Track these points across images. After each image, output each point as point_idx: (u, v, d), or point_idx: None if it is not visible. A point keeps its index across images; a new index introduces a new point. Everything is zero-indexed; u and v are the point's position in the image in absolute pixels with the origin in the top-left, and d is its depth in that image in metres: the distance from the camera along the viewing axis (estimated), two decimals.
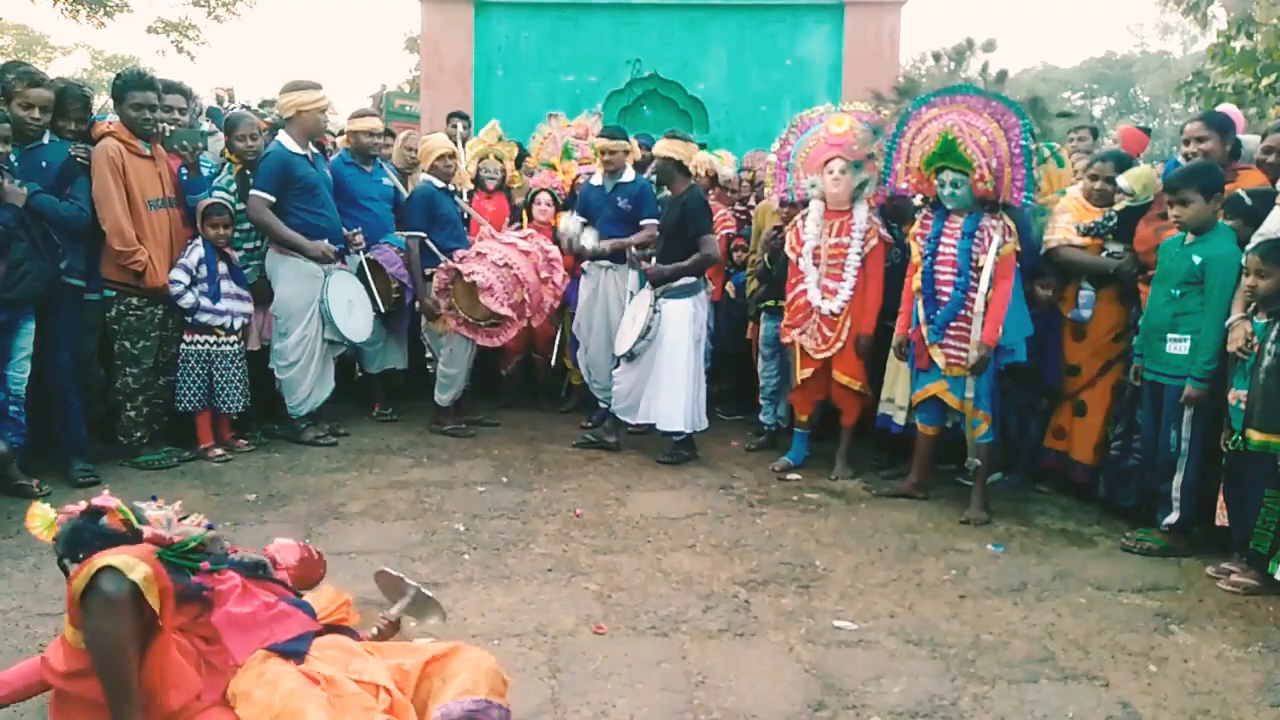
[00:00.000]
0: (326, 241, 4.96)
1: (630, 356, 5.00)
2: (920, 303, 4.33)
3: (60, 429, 4.40)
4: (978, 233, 4.19)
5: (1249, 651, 3.01)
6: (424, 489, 4.42)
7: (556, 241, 5.59)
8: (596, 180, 5.56)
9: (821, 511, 4.32)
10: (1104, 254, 4.38)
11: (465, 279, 4.98)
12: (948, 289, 4.25)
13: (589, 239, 5.40)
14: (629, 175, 5.45)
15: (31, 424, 4.25)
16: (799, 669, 2.82)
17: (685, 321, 4.95)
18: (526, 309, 5.22)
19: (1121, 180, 4.29)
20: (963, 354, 4.23)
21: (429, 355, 5.54)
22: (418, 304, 5.40)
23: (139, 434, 4.60)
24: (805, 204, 4.89)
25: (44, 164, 4.25)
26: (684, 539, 3.88)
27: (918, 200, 4.64)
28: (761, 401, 5.43)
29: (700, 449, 5.14)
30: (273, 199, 4.81)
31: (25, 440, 4.20)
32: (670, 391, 4.91)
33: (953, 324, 4.24)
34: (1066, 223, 4.48)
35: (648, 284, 5.07)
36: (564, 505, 4.24)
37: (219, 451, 4.79)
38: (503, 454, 5.08)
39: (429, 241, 5.26)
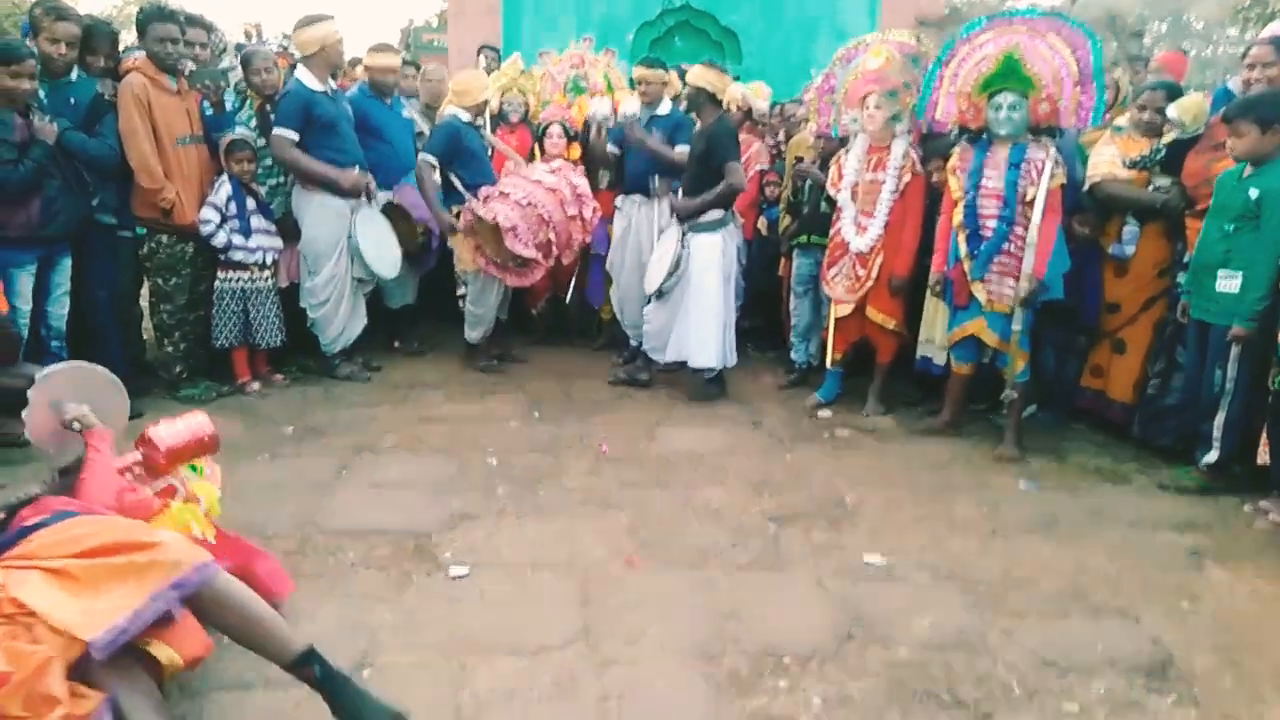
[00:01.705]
0: (356, 169, 4.93)
1: (660, 294, 4.96)
2: (962, 238, 4.24)
3: (101, 365, 4.47)
4: (1024, 164, 4.07)
5: None
6: (457, 424, 4.47)
7: (589, 165, 5.49)
8: (629, 109, 5.46)
9: (852, 448, 4.31)
10: (1150, 188, 4.24)
11: (489, 221, 4.93)
12: (992, 223, 4.14)
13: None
14: (665, 107, 5.33)
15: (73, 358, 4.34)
16: (828, 602, 2.85)
17: (714, 256, 4.88)
18: (553, 248, 5.17)
19: (1171, 110, 4.13)
20: (1005, 289, 4.15)
21: (460, 291, 5.54)
22: (439, 228, 5.33)
23: (178, 369, 4.68)
24: (848, 140, 4.78)
25: (72, 100, 4.25)
26: (714, 475, 3.90)
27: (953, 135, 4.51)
28: (793, 339, 5.39)
29: (731, 386, 5.13)
30: (296, 136, 4.78)
31: None
32: (700, 328, 4.87)
33: (997, 259, 4.15)
34: (1111, 156, 4.33)
35: (675, 219, 5.00)
36: (595, 441, 4.27)
37: (256, 386, 4.86)
38: (534, 390, 5.11)
39: (453, 176, 5.22)
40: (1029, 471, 4.03)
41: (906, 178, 4.56)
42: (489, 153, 5.57)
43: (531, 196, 5.00)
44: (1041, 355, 4.54)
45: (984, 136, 4.22)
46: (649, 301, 5.13)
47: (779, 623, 2.71)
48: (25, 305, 4.01)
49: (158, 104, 4.39)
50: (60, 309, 4.21)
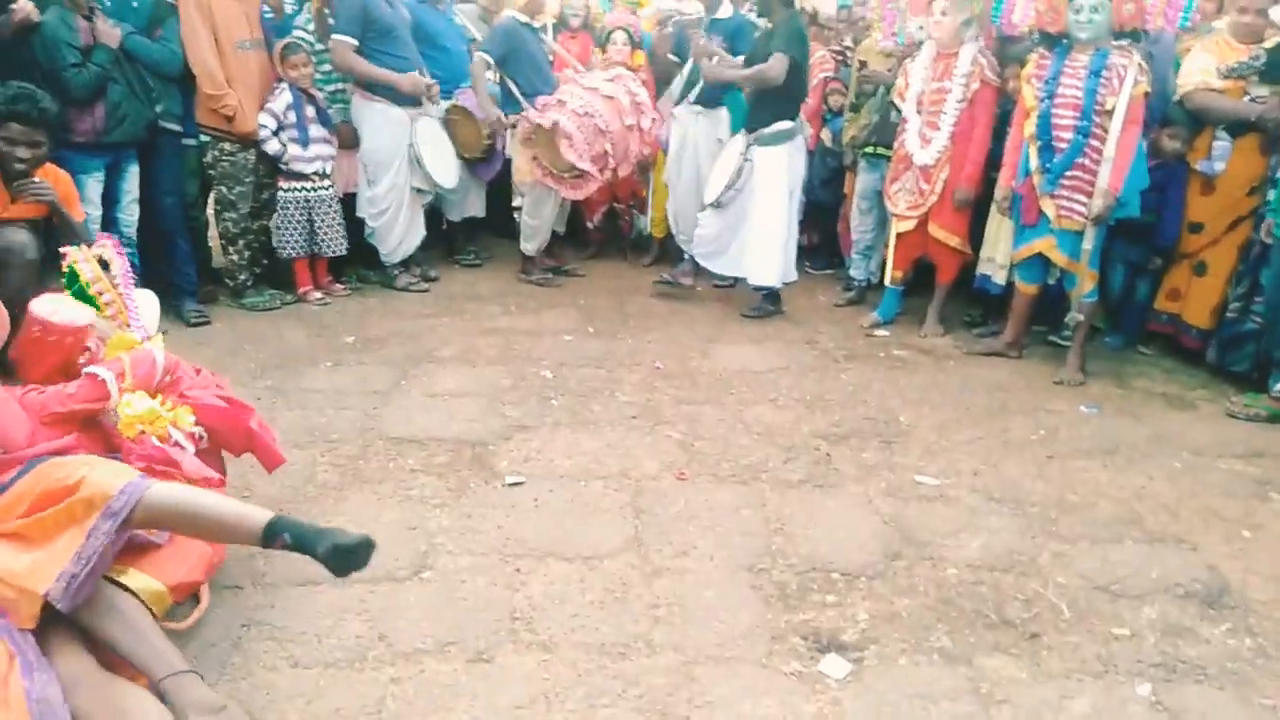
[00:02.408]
0: (418, 73, 4.88)
1: (717, 205, 4.87)
2: (1034, 150, 4.05)
3: (170, 272, 4.61)
4: (1106, 71, 3.84)
5: None
6: (512, 336, 4.51)
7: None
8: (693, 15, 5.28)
9: (909, 368, 4.26)
10: (1246, 99, 3.98)
11: (546, 128, 4.85)
12: (1067, 134, 3.94)
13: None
14: (726, 10, 5.12)
15: (144, 267, 4.46)
16: (877, 520, 2.86)
17: (779, 170, 4.74)
18: (609, 160, 5.08)
19: (1275, 12, 3.84)
20: (1077, 206, 3.97)
21: (517, 203, 5.52)
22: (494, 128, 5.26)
23: (242, 276, 4.79)
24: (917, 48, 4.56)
25: (134, 3, 4.25)
26: (766, 392, 3.90)
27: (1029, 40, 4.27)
28: (854, 255, 5.28)
29: (786, 304, 5.07)
30: (356, 42, 4.72)
31: (139, 282, 4.41)
32: (761, 244, 4.77)
33: (1069, 173, 3.95)
34: (1205, 64, 4.06)
35: (741, 131, 4.86)
36: (648, 356, 4.28)
37: (318, 295, 4.96)
38: (589, 304, 5.12)
39: (510, 84, 5.13)
40: (1090, 396, 3.94)
41: (975, 85, 4.36)
42: (549, 59, 5.45)
43: (589, 105, 4.90)
44: (1111, 275, 4.39)
45: (1063, 41, 3.99)
46: (704, 209, 5.05)
47: (828, 539, 2.73)
48: (95, 211, 4.11)
49: (218, 7, 4.36)
50: (130, 215, 4.31)
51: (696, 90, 5.22)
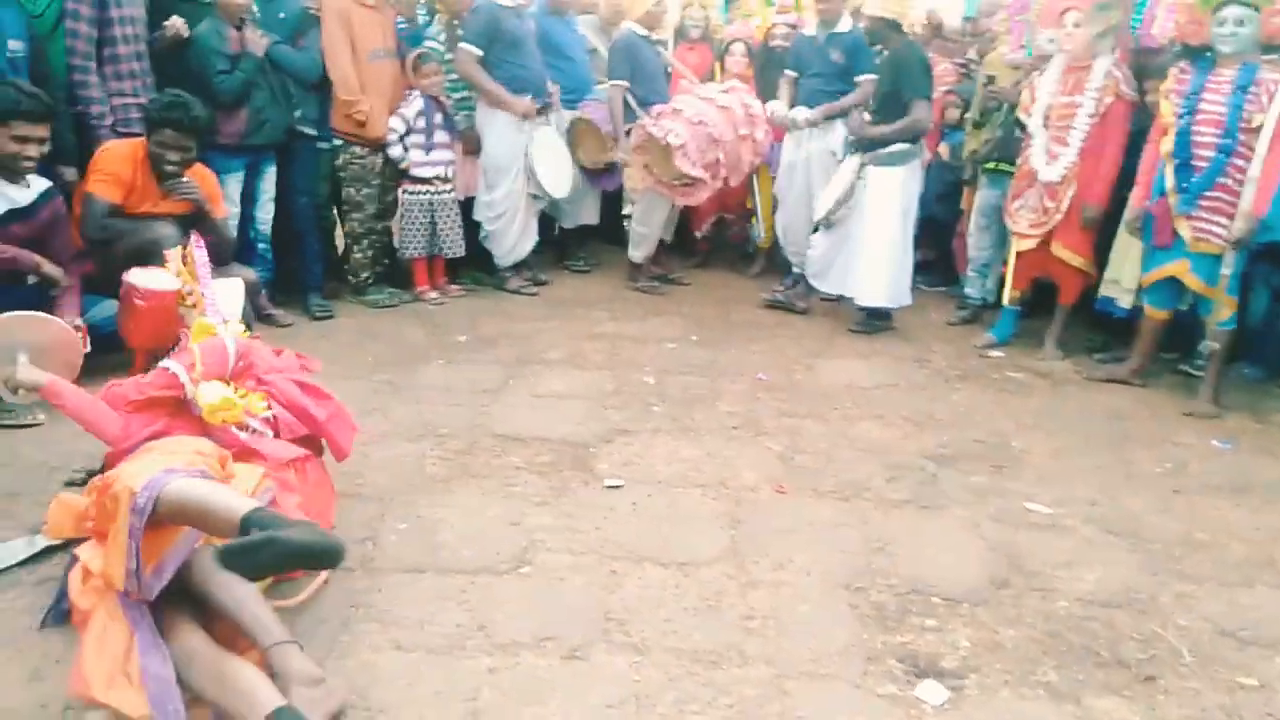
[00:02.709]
0: (530, 98, 5.01)
1: (828, 224, 4.80)
2: (1170, 169, 3.85)
3: (299, 268, 4.87)
4: (1253, 86, 3.63)
5: None
6: (618, 341, 4.57)
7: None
8: (809, 30, 5.23)
9: (1024, 391, 4.10)
10: None
11: (660, 140, 4.91)
12: (1208, 152, 3.74)
13: (800, 114, 5.04)
14: (845, 24, 5.08)
15: (276, 262, 4.73)
16: (984, 546, 2.76)
17: (893, 190, 4.66)
18: (721, 169, 5.10)
19: None
20: (1216, 228, 3.75)
21: (626, 211, 5.59)
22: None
23: (365, 274, 5.01)
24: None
25: (281, 15, 4.53)
26: (872, 408, 3.82)
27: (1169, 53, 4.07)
28: (970, 273, 5.13)
29: (896, 320, 4.96)
30: (481, 53, 4.89)
31: (272, 275, 4.69)
32: (871, 264, 4.69)
33: (1209, 193, 3.75)
34: None
35: (855, 149, 4.79)
36: (752, 367, 4.26)
37: (433, 295, 5.14)
38: (694, 313, 5.13)
39: (628, 94, 5.21)
40: (1224, 430, 3.71)
41: (1108, 100, 4.17)
42: (666, 71, 5.51)
43: (704, 115, 4.94)
44: (1252, 302, 4.12)
45: (1206, 55, 3.78)
46: (816, 229, 5.00)
47: (930, 562, 2.66)
48: (234, 209, 4.38)
49: (357, 18, 4.61)
50: (266, 214, 4.58)
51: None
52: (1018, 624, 2.39)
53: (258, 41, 4.28)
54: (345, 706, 1.92)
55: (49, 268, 3.48)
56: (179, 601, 2.01)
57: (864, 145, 4.70)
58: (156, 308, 2.78)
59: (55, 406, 2.47)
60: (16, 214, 3.45)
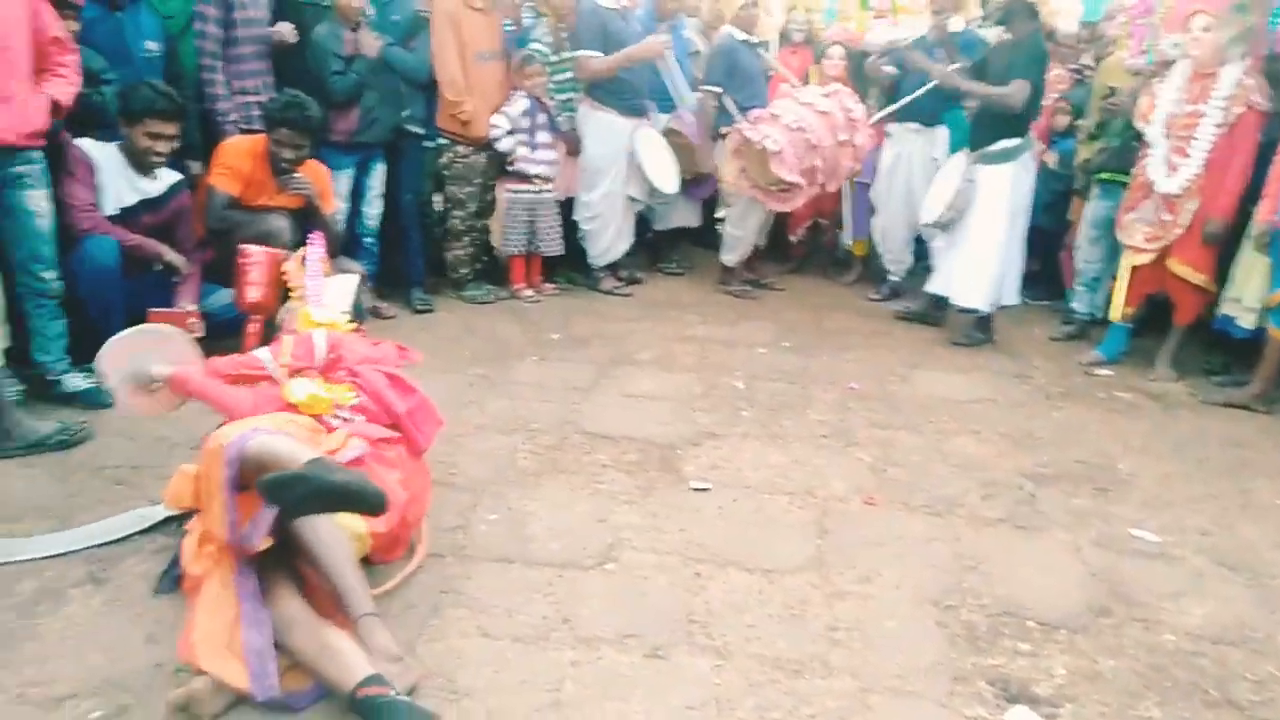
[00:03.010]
0: (666, 37, 5.05)
1: (943, 227, 4.67)
2: None
3: (403, 262, 5.02)
4: None
5: None
6: (708, 345, 4.56)
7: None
8: (919, 32, 5.12)
9: (1133, 413, 3.93)
10: None
11: (756, 145, 4.88)
12: None
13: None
14: (956, 25, 4.93)
15: (381, 257, 4.90)
16: (1084, 571, 2.65)
17: (1003, 189, 4.50)
18: (819, 175, 5.04)
19: None
20: None
21: (719, 215, 5.58)
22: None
23: (464, 271, 5.14)
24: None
25: (395, 18, 4.69)
26: (969, 423, 3.72)
27: None
28: (1077, 287, 4.93)
29: (997, 334, 4.81)
30: (599, 55, 4.97)
31: (377, 269, 4.85)
32: (974, 265, 4.55)
33: None
34: None
35: (963, 150, 4.66)
36: (844, 375, 4.20)
37: (529, 292, 5.24)
38: (786, 318, 5.09)
39: (726, 99, 5.21)
40: None
41: (1238, 109, 3.95)
42: (767, 74, 5.48)
43: (802, 120, 4.88)
44: None
45: None
46: (916, 236, 4.89)
47: (1026, 584, 2.57)
48: (343, 204, 4.55)
49: (465, 21, 4.73)
50: (374, 209, 4.74)
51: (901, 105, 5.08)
52: (1119, 655, 2.29)
53: (371, 43, 4.43)
54: (418, 687, 2.00)
55: (172, 255, 3.69)
56: (282, 572, 2.12)
57: (971, 143, 4.56)
58: (253, 264, 3.39)
59: (186, 395, 2.65)
60: (146, 204, 3.68)
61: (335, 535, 2.16)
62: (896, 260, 5.51)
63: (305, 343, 2.64)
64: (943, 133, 5.15)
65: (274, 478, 1.95)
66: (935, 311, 5.00)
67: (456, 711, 1.96)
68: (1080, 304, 4.94)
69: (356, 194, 4.66)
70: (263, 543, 2.04)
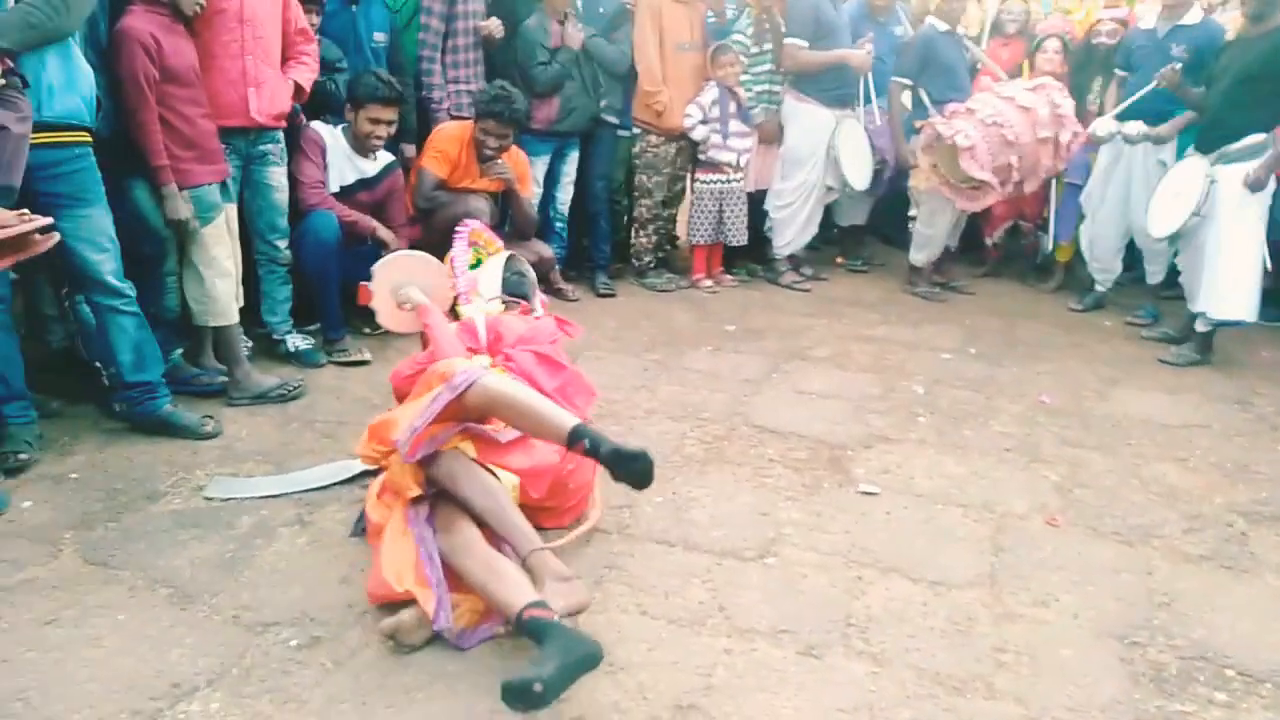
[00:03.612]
0: (867, 48, 5.01)
1: (1178, 237, 4.30)
2: None
3: (590, 247, 5.20)
4: None
5: None
6: (887, 346, 4.43)
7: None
8: (1148, 23, 4.72)
9: None
10: None
11: (947, 140, 4.67)
12: None
13: (1131, 129, 4.57)
14: (1193, 15, 4.50)
15: (570, 241, 5.09)
16: None
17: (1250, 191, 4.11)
18: (1014, 173, 4.75)
19: None
20: None
21: (911, 212, 5.40)
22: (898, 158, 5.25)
23: (647, 258, 5.25)
24: None
25: (600, 10, 4.85)
26: (1175, 449, 3.41)
27: None
28: None
29: (1216, 353, 4.38)
30: (806, 44, 4.96)
31: (566, 251, 5.05)
32: (1231, 274, 4.13)
33: None
34: None
35: (1190, 151, 4.25)
36: (1034, 387, 3.96)
37: (708, 283, 5.28)
38: (974, 324, 4.86)
39: (921, 91, 5.03)
40: None
41: None
42: (973, 67, 5.23)
43: (1000, 115, 4.64)
44: None
45: None
46: (1127, 244, 4.51)
47: (1228, 629, 2.34)
48: (538, 189, 4.76)
49: (668, 13, 4.84)
50: (565, 195, 4.94)
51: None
52: None
53: (575, 36, 4.60)
54: (584, 607, 2.14)
55: (383, 232, 4.00)
56: (454, 505, 2.29)
57: (1206, 143, 4.17)
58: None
59: (425, 326, 2.93)
60: (363, 183, 4.01)
61: (493, 483, 2.30)
62: (1104, 269, 5.12)
63: (468, 328, 2.85)
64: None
65: (625, 454, 2.10)
66: (1172, 332, 4.64)
67: (611, 683, 2.02)
68: None
69: (550, 179, 4.86)
70: (417, 459, 2.24)
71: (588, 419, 2.80)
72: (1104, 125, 4.74)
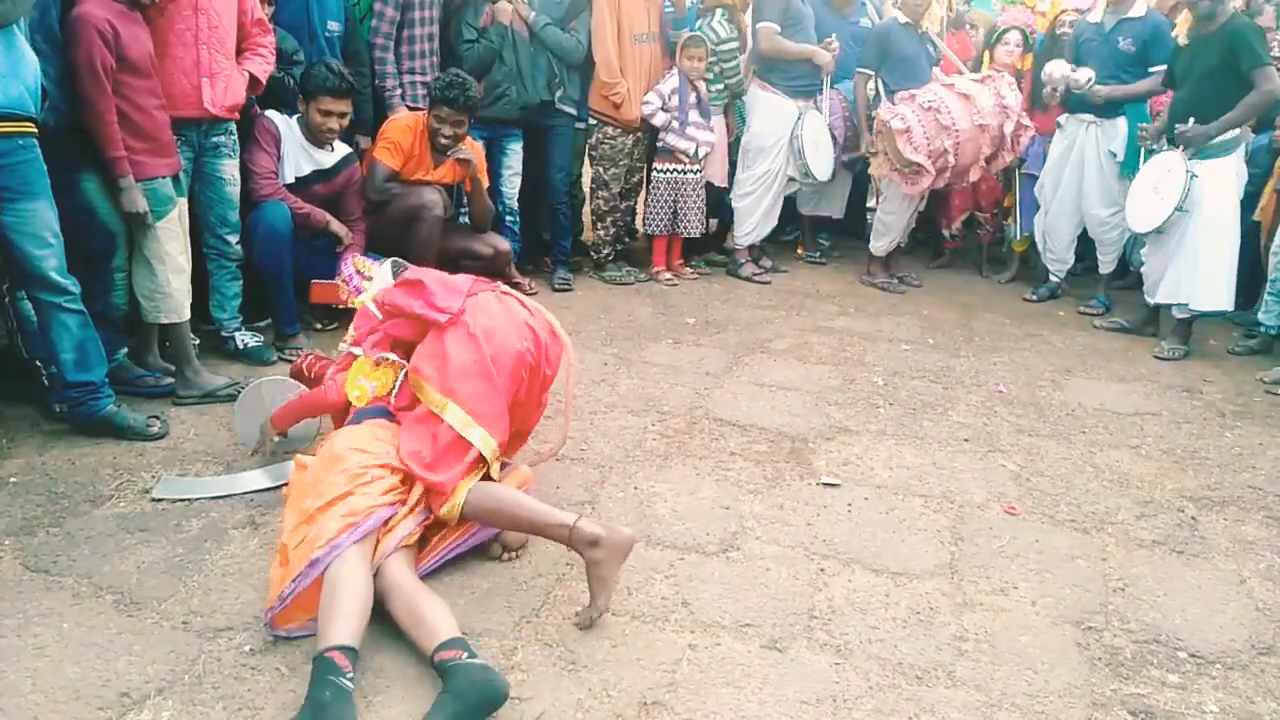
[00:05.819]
0: (834, 46, 5.04)
1: (1159, 232, 4.37)
2: None
3: (550, 240, 5.14)
4: None
5: None
6: (847, 337, 4.46)
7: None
8: (1095, 16, 4.79)
9: None
10: None
11: (888, 124, 4.75)
12: None
13: (1081, 75, 4.66)
14: (1138, 9, 4.59)
15: (524, 235, 5.02)
16: (1248, 605, 2.44)
17: (1228, 183, 4.22)
18: (949, 157, 4.82)
19: None
20: None
21: (871, 203, 5.44)
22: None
23: (605, 251, 5.21)
24: None
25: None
26: (1127, 437, 3.48)
27: None
28: (1266, 297, 4.50)
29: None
30: (778, 28, 4.97)
31: (520, 245, 4.99)
32: (1213, 266, 4.23)
33: None
34: None
35: (1170, 144, 4.33)
36: (991, 377, 4.01)
37: (668, 276, 5.26)
38: (932, 315, 4.90)
39: (878, 81, 5.09)
40: None
41: None
42: (933, 60, 5.27)
43: (938, 101, 4.75)
44: None
45: None
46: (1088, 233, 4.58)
47: (1180, 612, 2.39)
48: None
49: (626, 3, 4.78)
50: (511, 188, 4.80)
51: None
52: None
53: (505, 9, 4.51)
54: (630, 543, 2.20)
55: (336, 226, 3.91)
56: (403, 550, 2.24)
57: (1178, 137, 4.25)
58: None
59: (289, 424, 2.77)
60: (319, 175, 3.92)
61: (506, 490, 2.35)
62: (1058, 260, 5.20)
63: (363, 313, 2.78)
64: (1121, 124, 4.79)
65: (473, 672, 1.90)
66: (1146, 326, 4.71)
67: (574, 681, 2.00)
68: (1266, 315, 4.49)
69: (491, 173, 4.71)
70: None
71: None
72: (1058, 67, 4.78)
